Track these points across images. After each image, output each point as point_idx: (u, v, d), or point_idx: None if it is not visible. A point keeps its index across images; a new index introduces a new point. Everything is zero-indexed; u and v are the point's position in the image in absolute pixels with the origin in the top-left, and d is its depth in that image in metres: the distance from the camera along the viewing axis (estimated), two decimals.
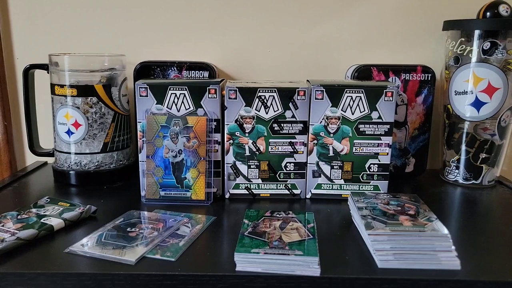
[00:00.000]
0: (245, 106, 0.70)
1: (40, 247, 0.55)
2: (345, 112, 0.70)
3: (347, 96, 0.69)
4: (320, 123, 0.70)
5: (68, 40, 0.89)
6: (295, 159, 0.72)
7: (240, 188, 0.73)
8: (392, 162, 0.83)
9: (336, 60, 0.89)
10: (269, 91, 0.69)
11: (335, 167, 0.72)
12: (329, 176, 0.72)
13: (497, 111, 0.76)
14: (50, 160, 0.90)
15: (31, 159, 0.95)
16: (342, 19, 0.88)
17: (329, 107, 0.70)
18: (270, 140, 0.71)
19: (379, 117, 0.70)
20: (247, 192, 0.73)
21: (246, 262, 0.50)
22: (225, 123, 0.70)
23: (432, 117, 0.83)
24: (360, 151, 0.71)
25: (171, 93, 0.69)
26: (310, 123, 0.70)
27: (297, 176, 0.72)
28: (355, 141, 0.71)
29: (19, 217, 0.61)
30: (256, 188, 0.73)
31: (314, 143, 0.71)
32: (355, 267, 0.51)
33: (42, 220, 0.60)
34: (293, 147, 0.71)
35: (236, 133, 0.71)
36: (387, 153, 0.71)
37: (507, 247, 0.57)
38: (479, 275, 0.49)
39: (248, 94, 0.69)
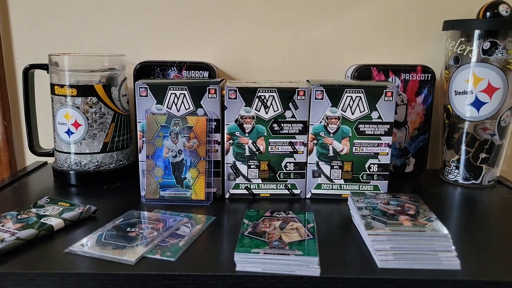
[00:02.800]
0: (245, 106, 0.70)
1: (40, 247, 0.55)
2: (345, 112, 0.70)
3: (347, 96, 0.69)
4: (320, 123, 0.70)
5: (68, 40, 0.89)
6: (295, 159, 0.72)
7: (240, 188, 0.73)
8: (392, 162, 0.83)
9: (336, 60, 0.89)
10: (269, 91, 0.69)
11: (335, 167, 0.72)
12: (329, 176, 0.72)
13: (497, 111, 0.76)
14: (50, 160, 0.90)
15: (31, 159, 0.95)
16: (342, 19, 0.88)
17: (329, 107, 0.70)
18: (270, 140, 0.71)
19: (379, 117, 0.70)
20: (247, 192, 0.73)
21: (246, 262, 0.50)
22: (225, 123, 0.70)
23: (432, 117, 0.83)
24: (360, 151, 0.71)
25: (171, 93, 0.69)
26: (310, 123, 0.70)
27: (297, 176, 0.72)
28: (355, 141, 0.71)
29: (19, 217, 0.61)
30: (256, 188, 0.73)
31: (314, 143, 0.71)
32: (355, 267, 0.51)
33: (42, 220, 0.60)
34: (293, 147, 0.71)
35: (236, 133, 0.71)
36: (387, 153, 0.71)
37: (507, 247, 0.57)
38: (479, 275, 0.49)
39: (248, 94, 0.69)
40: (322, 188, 0.73)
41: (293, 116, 0.70)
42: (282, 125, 0.70)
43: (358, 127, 0.70)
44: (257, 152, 0.71)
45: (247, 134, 0.71)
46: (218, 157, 0.72)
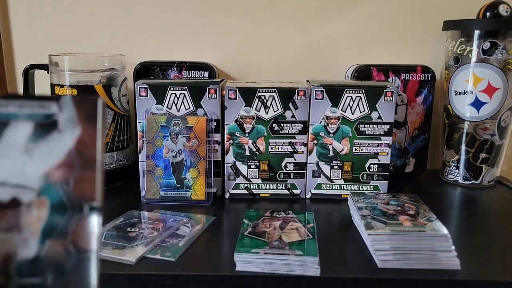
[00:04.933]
0: (245, 106, 0.70)
1: None
2: (345, 112, 0.70)
3: (347, 96, 0.69)
4: (320, 123, 0.70)
5: (68, 40, 0.89)
6: (295, 159, 0.72)
7: (240, 188, 0.73)
8: (392, 162, 0.83)
9: (336, 60, 0.89)
10: (269, 91, 0.69)
11: (335, 167, 0.72)
12: (329, 176, 0.72)
13: (497, 111, 0.76)
14: None
15: None
16: (342, 19, 0.88)
17: (329, 107, 0.70)
18: (270, 140, 0.71)
19: (379, 117, 0.70)
20: (247, 192, 0.73)
21: (246, 262, 0.50)
22: (225, 123, 0.70)
23: (432, 117, 0.83)
24: (360, 151, 0.71)
25: (171, 93, 0.69)
26: (310, 123, 0.70)
27: (297, 176, 0.72)
28: (355, 141, 0.71)
29: None
30: (256, 188, 0.73)
31: (314, 143, 0.71)
32: (355, 267, 0.51)
33: None
34: (293, 147, 0.71)
35: (236, 133, 0.71)
36: (387, 153, 0.71)
37: (507, 247, 0.57)
38: (479, 275, 0.50)
39: (248, 94, 0.69)
40: (322, 188, 0.73)
41: (293, 116, 0.70)
42: (282, 125, 0.70)
43: (358, 127, 0.70)
44: (257, 152, 0.71)
45: (247, 134, 0.71)
46: (218, 157, 0.72)
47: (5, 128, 0.23)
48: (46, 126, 0.23)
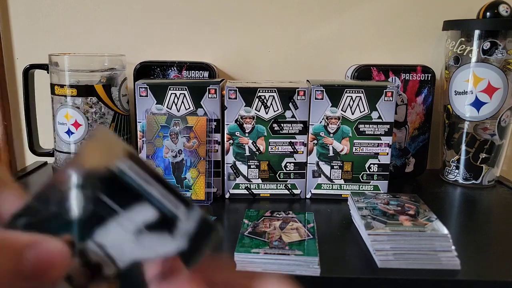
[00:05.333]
0: (245, 106, 0.70)
1: None
2: (345, 112, 0.70)
3: (347, 96, 0.69)
4: (320, 123, 0.70)
5: (68, 40, 0.89)
6: (295, 159, 0.72)
7: (240, 188, 0.73)
8: (392, 162, 0.83)
9: (336, 60, 0.89)
10: (269, 91, 0.69)
11: (335, 167, 0.72)
12: (329, 176, 0.72)
13: (497, 111, 0.76)
14: (50, 160, 0.90)
15: (31, 159, 0.95)
16: (342, 19, 0.88)
17: (329, 107, 0.70)
18: (270, 140, 0.71)
19: (379, 117, 0.70)
20: (247, 192, 0.73)
21: (246, 262, 0.50)
22: (225, 123, 0.70)
23: (432, 117, 0.83)
24: (360, 151, 0.71)
25: (171, 93, 0.69)
26: (310, 123, 0.70)
27: (297, 176, 0.72)
28: (355, 141, 0.71)
29: None
30: (256, 188, 0.73)
31: (314, 143, 0.71)
32: (355, 267, 0.51)
33: None
34: (293, 147, 0.71)
35: (236, 133, 0.71)
36: (387, 153, 0.71)
37: (507, 247, 0.57)
38: (479, 275, 0.50)
39: (248, 94, 0.69)
40: (322, 188, 0.73)
41: (293, 116, 0.70)
42: (282, 125, 0.70)
43: (358, 127, 0.70)
44: (257, 152, 0.71)
45: (247, 134, 0.71)
46: (218, 157, 0.72)
47: (136, 202, 0.23)
48: (165, 222, 0.23)
